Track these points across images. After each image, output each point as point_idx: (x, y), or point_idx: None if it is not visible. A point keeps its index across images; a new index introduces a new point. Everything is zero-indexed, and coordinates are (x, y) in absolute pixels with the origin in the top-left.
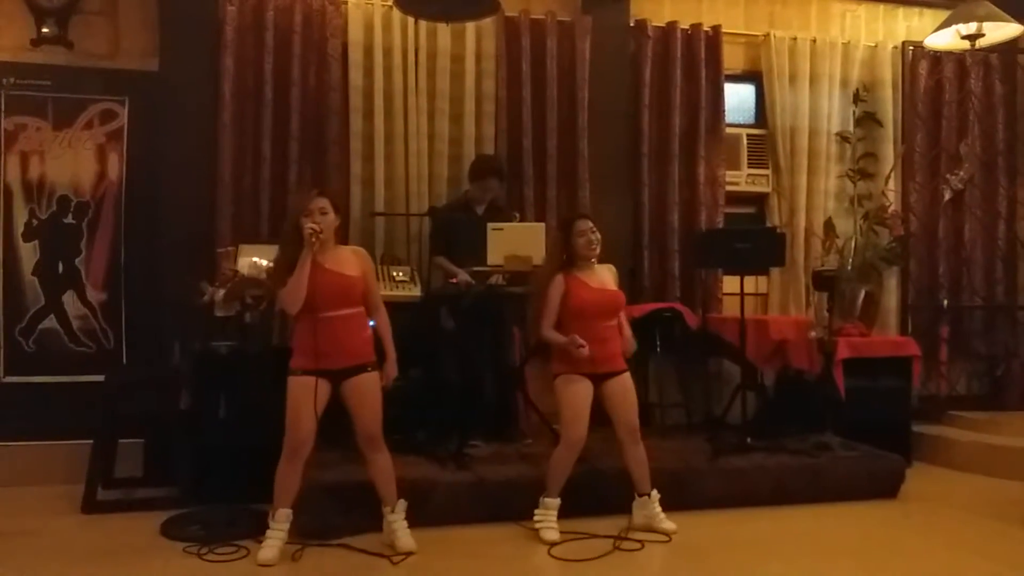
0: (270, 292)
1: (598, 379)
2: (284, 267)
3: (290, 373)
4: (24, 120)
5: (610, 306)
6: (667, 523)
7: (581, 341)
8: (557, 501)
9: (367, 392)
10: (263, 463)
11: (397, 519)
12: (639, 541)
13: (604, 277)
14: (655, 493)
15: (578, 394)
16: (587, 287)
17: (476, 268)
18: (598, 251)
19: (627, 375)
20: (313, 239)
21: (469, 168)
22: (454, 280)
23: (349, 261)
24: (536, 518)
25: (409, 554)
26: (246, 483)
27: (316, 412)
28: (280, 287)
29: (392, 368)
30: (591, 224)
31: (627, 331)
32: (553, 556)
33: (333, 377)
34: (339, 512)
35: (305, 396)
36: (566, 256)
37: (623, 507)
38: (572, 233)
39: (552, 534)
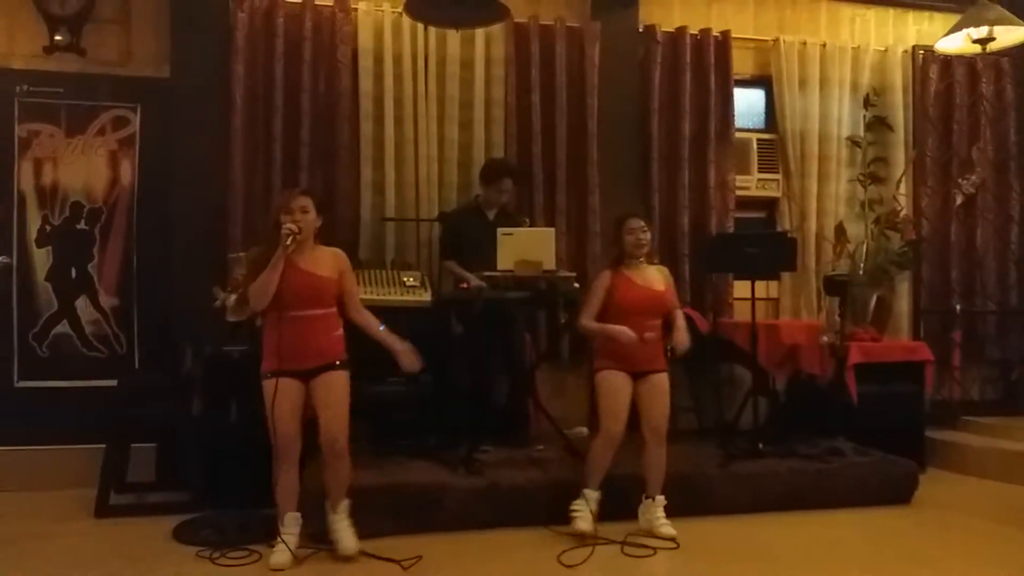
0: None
1: (636, 376)
2: (260, 264)
3: (262, 377)
4: (37, 127)
5: (654, 305)
6: (667, 528)
7: (622, 330)
8: (597, 493)
9: (332, 390)
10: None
11: (340, 519)
12: (651, 548)
13: (652, 277)
14: (661, 498)
15: (617, 389)
16: (633, 285)
17: (486, 273)
18: (646, 250)
19: (664, 376)
20: (288, 239)
21: (481, 171)
22: (464, 285)
23: (325, 262)
24: (572, 507)
25: (419, 558)
26: (258, 488)
27: (293, 412)
28: (251, 283)
29: (409, 357)
30: (642, 223)
31: (680, 324)
32: (563, 563)
33: (303, 377)
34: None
35: (278, 399)
36: (617, 253)
37: (631, 513)
38: (622, 231)
39: (584, 524)
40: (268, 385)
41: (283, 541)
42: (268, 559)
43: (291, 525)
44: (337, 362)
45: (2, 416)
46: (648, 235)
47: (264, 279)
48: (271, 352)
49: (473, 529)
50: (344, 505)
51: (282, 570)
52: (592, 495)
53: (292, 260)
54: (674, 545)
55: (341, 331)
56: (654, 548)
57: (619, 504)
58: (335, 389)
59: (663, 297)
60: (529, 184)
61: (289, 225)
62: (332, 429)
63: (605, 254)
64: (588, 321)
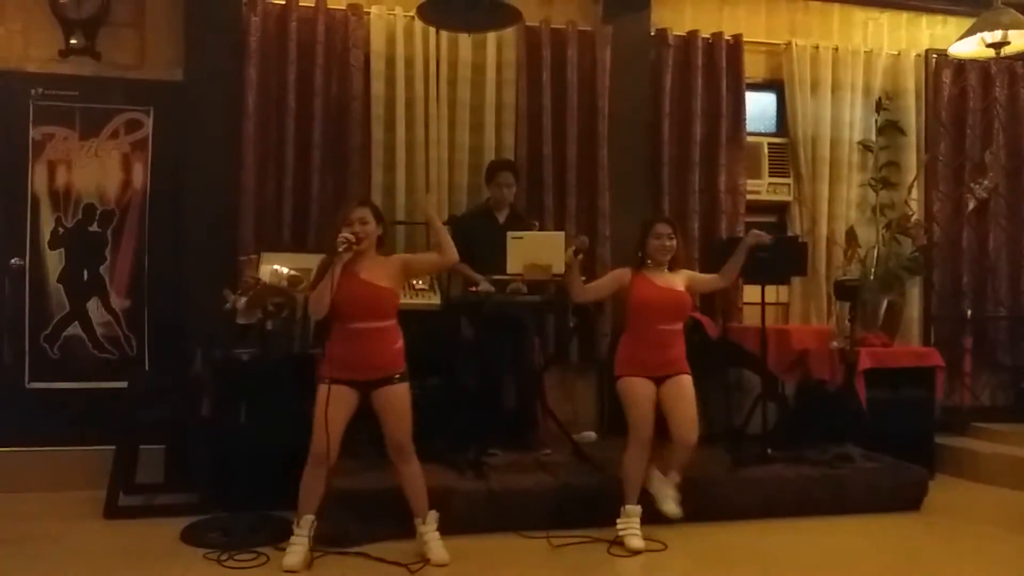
0: (291, 300)
1: (659, 381)
2: (320, 274)
3: (319, 381)
4: (51, 130)
5: (673, 307)
6: (674, 505)
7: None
8: (638, 508)
9: (395, 402)
10: (284, 470)
11: (428, 531)
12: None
13: (674, 280)
14: (675, 476)
15: (640, 395)
16: (652, 285)
17: (496, 276)
18: (669, 257)
19: (687, 378)
20: (343, 248)
21: (484, 173)
22: (474, 288)
23: (384, 271)
24: (619, 526)
25: (426, 562)
26: (267, 490)
27: (341, 422)
28: (311, 290)
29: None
30: (669, 230)
31: (732, 267)
32: (571, 565)
33: (361, 388)
34: (357, 520)
35: (332, 405)
36: (641, 254)
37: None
38: (648, 234)
39: (637, 542)
40: (322, 390)
41: (295, 543)
42: (280, 560)
43: (306, 527)
44: (397, 375)
45: (13, 417)
46: (674, 242)
47: (320, 290)
48: (334, 361)
49: (480, 532)
50: (431, 516)
51: (295, 571)
52: (634, 510)
53: (352, 271)
54: (660, 547)
55: (401, 343)
56: (665, 544)
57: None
58: (397, 401)
59: (683, 298)
60: (539, 187)
61: (345, 234)
62: (396, 437)
63: (627, 257)
64: (583, 289)
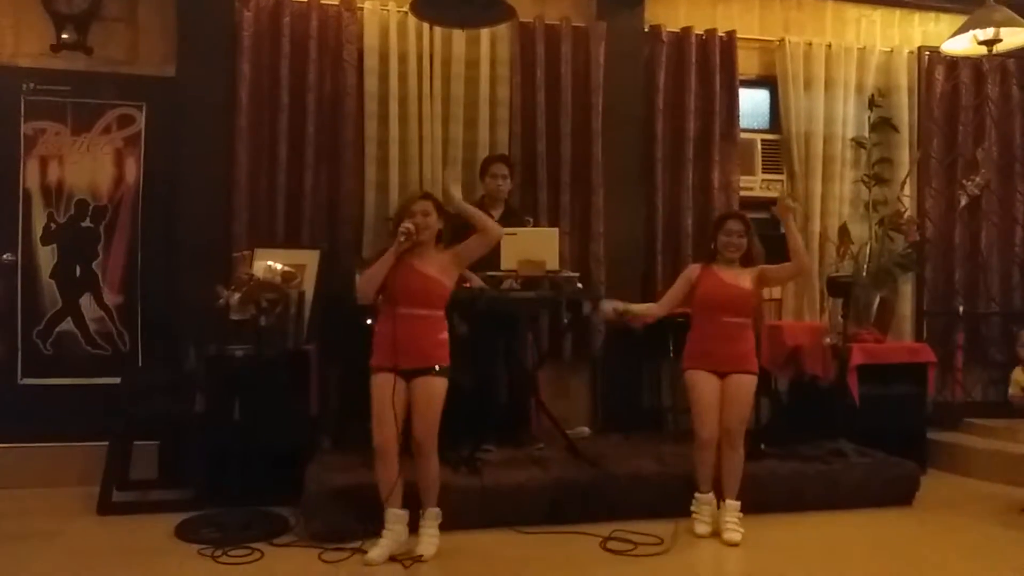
0: (285, 296)
1: (723, 376)
2: (373, 260)
3: (372, 372)
4: (43, 125)
5: (735, 302)
6: (731, 533)
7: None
8: (709, 496)
9: (429, 395)
10: (277, 466)
11: (424, 525)
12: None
13: (742, 277)
14: (733, 503)
15: (703, 390)
16: (718, 280)
17: (490, 273)
18: (739, 255)
19: (749, 378)
20: (403, 237)
21: (479, 170)
22: (467, 284)
23: (439, 263)
24: (693, 509)
25: (419, 557)
26: (260, 486)
27: (400, 410)
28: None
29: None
30: (740, 227)
31: (793, 245)
32: (565, 561)
33: (407, 376)
34: (353, 516)
35: (385, 394)
36: (711, 250)
37: (633, 512)
38: (720, 229)
39: (702, 528)
40: (375, 380)
41: (384, 537)
42: (274, 556)
43: (392, 522)
44: (438, 367)
45: (6, 413)
46: (744, 240)
47: (371, 272)
48: (384, 347)
49: (474, 528)
50: (431, 512)
51: (376, 564)
52: (705, 498)
53: (408, 260)
54: (657, 541)
55: (446, 335)
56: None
57: (617, 506)
58: (433, 395)
59: (748, 296)
60: (533, 184)
61: (407, 224)
62: (421, 431)
63: (622, 254)
64: (654, 305)
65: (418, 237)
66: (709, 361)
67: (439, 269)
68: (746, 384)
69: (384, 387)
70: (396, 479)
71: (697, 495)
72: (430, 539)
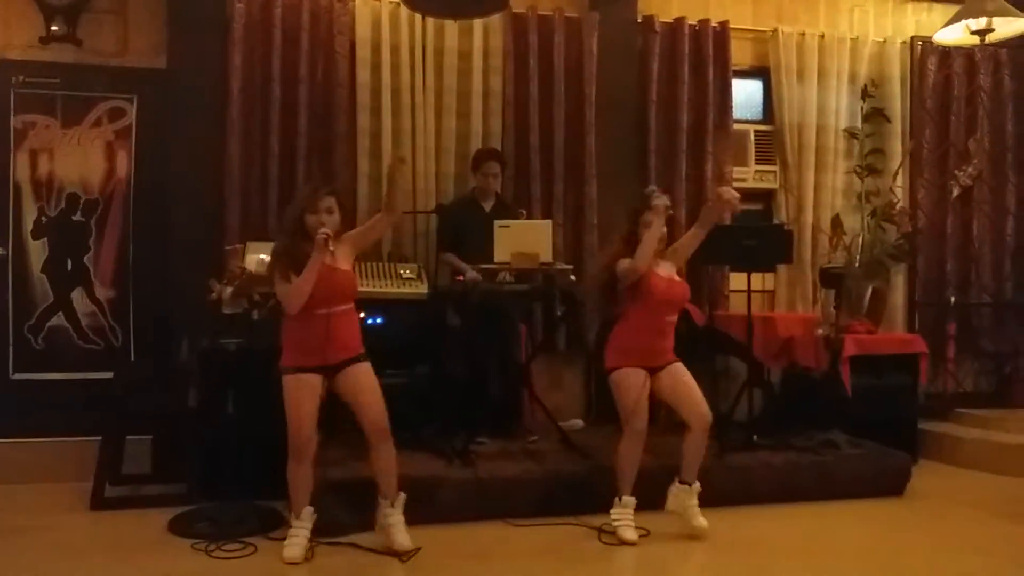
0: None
1: (652, 372)
2: (285, 260)
3: (283, 372)
4: (33, 118)
5: (682, 301)
6: (699, 519)
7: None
8: (633, 500)
9: (363, 378)
10: (271, 460)
11: (395, 514)
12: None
13: (670, 268)
14: (697, 486)
15: (636, 384)
16: (658, 276)
17: (483, 265)
18: (664, 245)
19: (678, 364)
20: (331, 246)
21: (471, 162)
22: (460, 277)
23: (343, 254)
24: (613, 517)
25: (417, 550)
26: (254, 480)
27: (314, 411)
28: (281, 280)
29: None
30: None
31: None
32: (559, 553)
33: (327, 372)
34: (347, 510)
35: (305, 395)
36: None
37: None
38: (640, 222)
39: (631, 533)
40: (291, 381)
41: (295, 534)
42: (270, 551)
43: (307, 519)
44: (359, 355)
45: None
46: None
47: (302, 284)
48: (299, 348)
49: (469, 521)
50: (400, 499)
51: (296, 563)
52: (629, 501)
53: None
54: (645, 532)
55: (358, 324)
56: (647, 530)
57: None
58: (366, 377)
59: (687, 291)
60: (526, 175)
61: (325, 231)
62: (372, 413)
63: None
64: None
65: (335, 240)
66: (642, 358)
67: (346, 261)
68: (683, 367)
69: (300, 388)
70: (312, 478)
71: (625, 498)
72: (403, 529)
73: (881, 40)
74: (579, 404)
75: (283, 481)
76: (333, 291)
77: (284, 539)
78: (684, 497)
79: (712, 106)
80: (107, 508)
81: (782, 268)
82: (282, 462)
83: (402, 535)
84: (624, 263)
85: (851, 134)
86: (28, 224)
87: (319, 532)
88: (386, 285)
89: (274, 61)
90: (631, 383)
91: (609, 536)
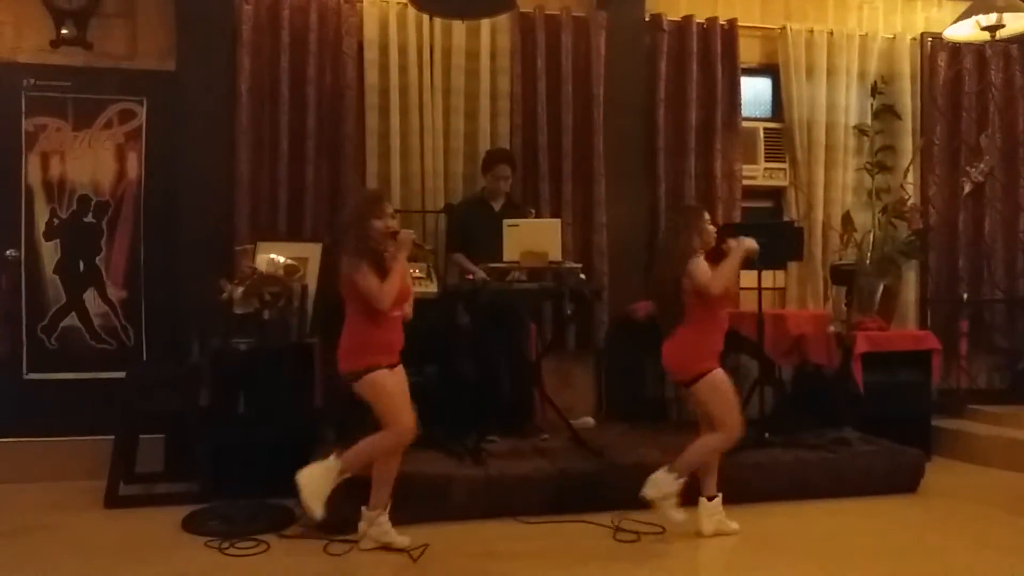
0: (288, 289)
1: None
2: (371, 259)
3: (373, 370)
4: (44, 121)
5: (735, 298)
6: (675, 513)
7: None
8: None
9: (406, 383)
10: (282, 459)
11: (385, 517)
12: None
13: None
14: (681, 480)
15: (730, 385)
16: None
17: (492, 264)
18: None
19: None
20: (414, 242)
21: (481, 162)
22: (470, 277)
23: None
24: (713, 514)
25: (425, 547)
26: (266, 478)
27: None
28: (370, 275)
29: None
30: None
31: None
32: (571, 551)
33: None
34: (359, 507)
35: (403, 386)
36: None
37: (637, 502)
38: (703, 223)
39: (734, 525)
40: (385, 376)
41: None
42: (281, 548)
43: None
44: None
45: (11, 408)
46: None
47: (394, 283)
48: (382, 348)
49: (480, 518)
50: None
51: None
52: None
53: (387, 264)
54: (659, 530)
55: None
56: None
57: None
58: (405, 379)
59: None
60: (535, 175)
61: (409, 232)
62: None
63: (624, 246)
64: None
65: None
66: (718, 357)
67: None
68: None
69: (396, 381)
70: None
71: (717, 499)
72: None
73: (891, 36)
74: (589, 402)
75: (291, 478)
76: (404, 293)
77: (295, 537)
78: (663, 484)
79: (721, 104)
80: (121, 506)
81: (793, 265)
82: (293, 460)
83: (400, 536)
84: (705, 273)
85: (861, 131)
86: (40, 226)
87: (332, 529)
88: None
89: (282, 62)
90: (729, 384)
91: (622, 533)
